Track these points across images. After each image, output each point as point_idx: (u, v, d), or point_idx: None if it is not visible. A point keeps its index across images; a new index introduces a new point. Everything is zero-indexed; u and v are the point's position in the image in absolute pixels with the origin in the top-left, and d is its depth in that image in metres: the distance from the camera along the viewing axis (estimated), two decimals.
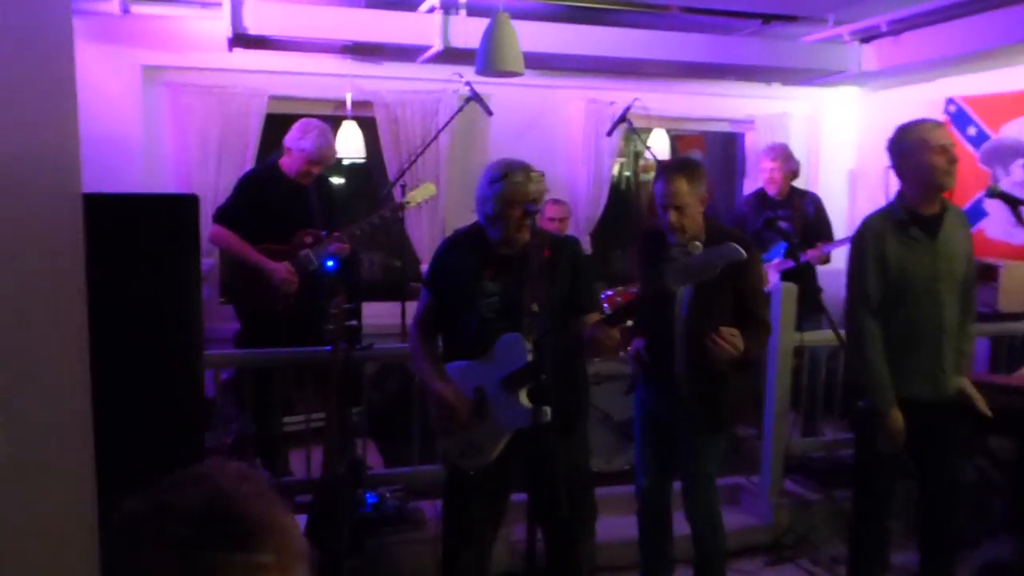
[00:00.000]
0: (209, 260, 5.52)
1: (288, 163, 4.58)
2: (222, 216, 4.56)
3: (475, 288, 3.06)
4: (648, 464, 3.63)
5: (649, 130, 6.49)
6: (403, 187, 5.00)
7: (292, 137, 4.58)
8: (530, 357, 2.87)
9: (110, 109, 5.32)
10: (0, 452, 1.37)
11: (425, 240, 5.94)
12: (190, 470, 1.06)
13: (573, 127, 6.27)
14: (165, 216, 2.44)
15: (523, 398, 2.92)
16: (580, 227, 6.22)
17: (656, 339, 3.41)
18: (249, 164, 5.48)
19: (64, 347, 1.81)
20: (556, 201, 5.64)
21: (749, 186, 6.99)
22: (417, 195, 4.80)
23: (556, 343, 2.75)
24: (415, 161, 5.60)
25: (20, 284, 1.48)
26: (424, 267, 5.53)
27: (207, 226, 4.55)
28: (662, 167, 3.36)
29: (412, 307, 3.49)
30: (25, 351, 1.53)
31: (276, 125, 5.17)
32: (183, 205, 2.48)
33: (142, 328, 2.35)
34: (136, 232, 2.37)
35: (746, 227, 5.54)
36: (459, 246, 3.14)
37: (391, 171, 5.78)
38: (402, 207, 4.78)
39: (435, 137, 5.63)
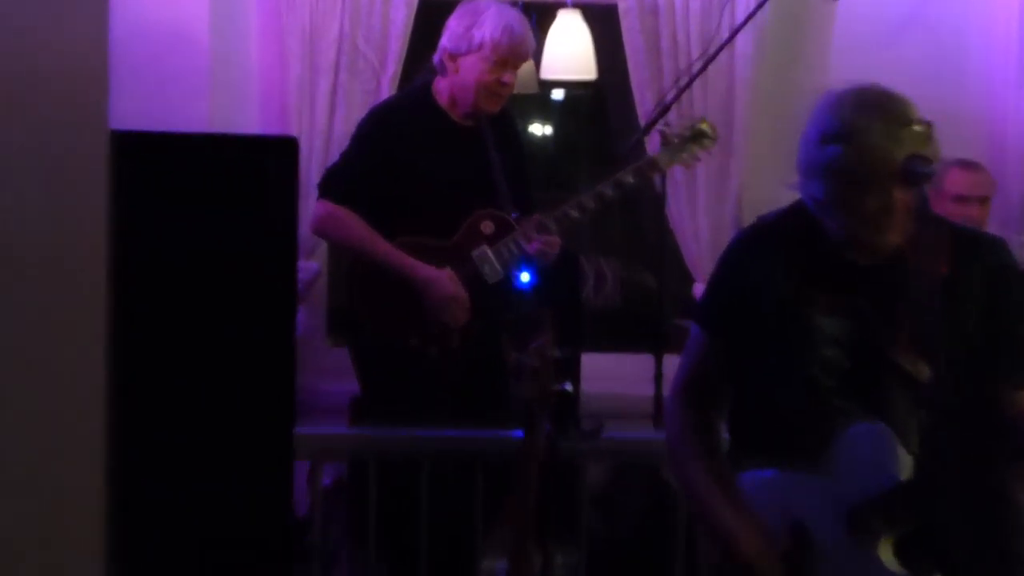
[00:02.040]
0: (311, 264, 3.94)
1: (446, 87, 3.34)
2: (336, 186, 3.33)
3: (801, 328, 2.07)
4: None
5: None
6: (663, 135, 3.48)
7: (452, 34, 3.27)
8: (908, 472, 1.96)
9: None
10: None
11: (702, 236, 4.09)
12: None
13: (1000, 30, 4.14)
14: (239, 172, 2.15)
15: (885, 553, 2.02)
16: (1014, 215, 4.12)
17: None
18: (385, 93, 3.94)
19: (79, 347, 1.40)
20: (965, 166, 3.68)
21: None
22: (683, 152, 3.40)
23: (965, 446, 1.95)
24: (687, 87, 3.77)
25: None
26: (698, 288, 4.01)
27: (308, 204, 3.38)
28: None
29: (673, 363, 2.65)
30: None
31: (431, 26, 3.71)
32: (272, 152, 2.25)
33: (187, 380, 2.05)
34: (193, 200, 2.07)
35: None
36: (767, 249, 2.19)
37: (642, 107, 4.05)
38: (655, 167, 3.42)
39: (726, 43, 3.80)
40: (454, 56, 3.20)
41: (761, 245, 2.32)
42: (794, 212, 2.24)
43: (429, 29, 3.72)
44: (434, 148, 3.28)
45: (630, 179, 3.33)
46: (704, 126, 3.41)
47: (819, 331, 2.16)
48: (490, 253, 3.30)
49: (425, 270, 3.22)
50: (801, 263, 2.22)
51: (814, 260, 2.21)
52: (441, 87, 3.28)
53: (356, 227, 3.26)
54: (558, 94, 5.28)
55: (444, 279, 3.21)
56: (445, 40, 3.26)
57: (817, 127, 2.11)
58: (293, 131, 3.83)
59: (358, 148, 3.33)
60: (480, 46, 3.19)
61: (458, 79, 3.23)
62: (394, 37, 3.94)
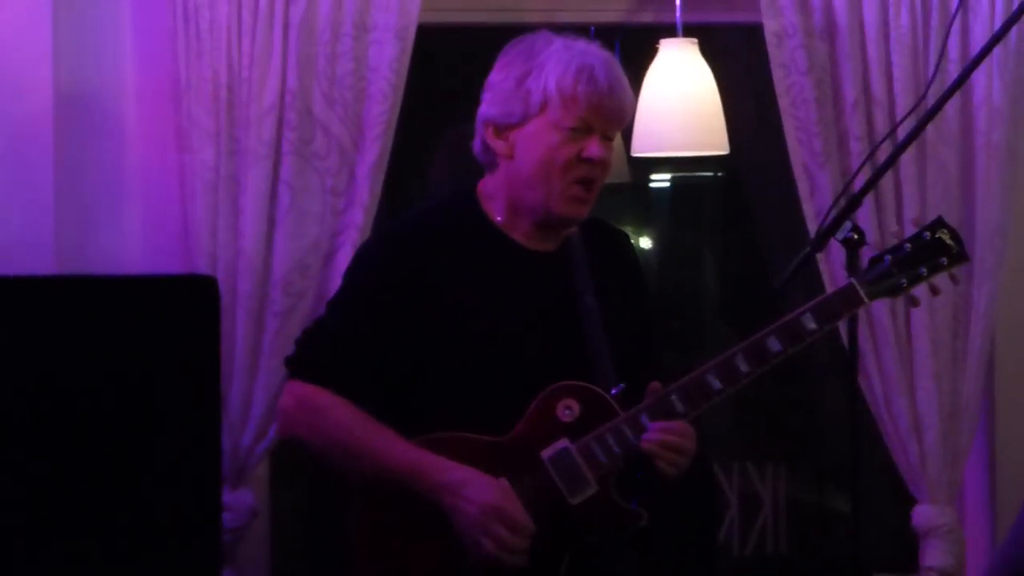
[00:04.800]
0: (242, 497, 3.07)
1: (500, 187, 2.58)
2: (320, 358, 2.54)
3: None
4: None
5: None
6: (851, 245, 2.48)
7: (497, 93, 2.53)
8: None
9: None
10: None
11: (927, 421, 3.06)
12: None
13: None
14: (116, 328, 2.39)
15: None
16: None
17: None
18: (363, 193, 3.14)
19: None
20: None
21: None
22: (902, 277, 2.50)
23: None
24: (891, 164, 2.67)
25: None
26: (920, 512, 3.13)
27: (262, 392, 3.01)
28: None
29: None
30: None
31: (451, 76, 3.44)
32: (178, 298, 2.48)
33: None
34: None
35: None
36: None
37: (812, 199, 3.11)
38: (853, 303, 2.51)
39: (955, 87, 2.69)
40: (503, 130, 2.50)
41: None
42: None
43: (447, 80, 3.25)
44: (488, 291, 2.57)
45: (812, 325, 2.45)
46: (944, 234, 2.41)
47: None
48: (574, 452, 2.51)
49: (457, 472, 2.48)
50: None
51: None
52: (491, 190, 2.59)
53: (346, 419, 2.51)
54: (660, 182, 4.17)
55: (484, 483, 2.48)
56: (487, 107, 2.53)
57: None
58: (201, 263, 2.97)
59: (358, 296, 2.62)
60: (544, 103, 2.47)
61: (515, 168, 2.52)
62: (377, 94, 3.00)
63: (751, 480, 3.70)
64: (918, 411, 2.80)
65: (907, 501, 2.84)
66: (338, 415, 2.51)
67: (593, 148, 2.47)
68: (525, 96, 2.47)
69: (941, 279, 2.34)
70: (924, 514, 2.77)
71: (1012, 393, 2.92)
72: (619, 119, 2.57)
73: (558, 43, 2.50)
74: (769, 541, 3.78)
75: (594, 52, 2.51)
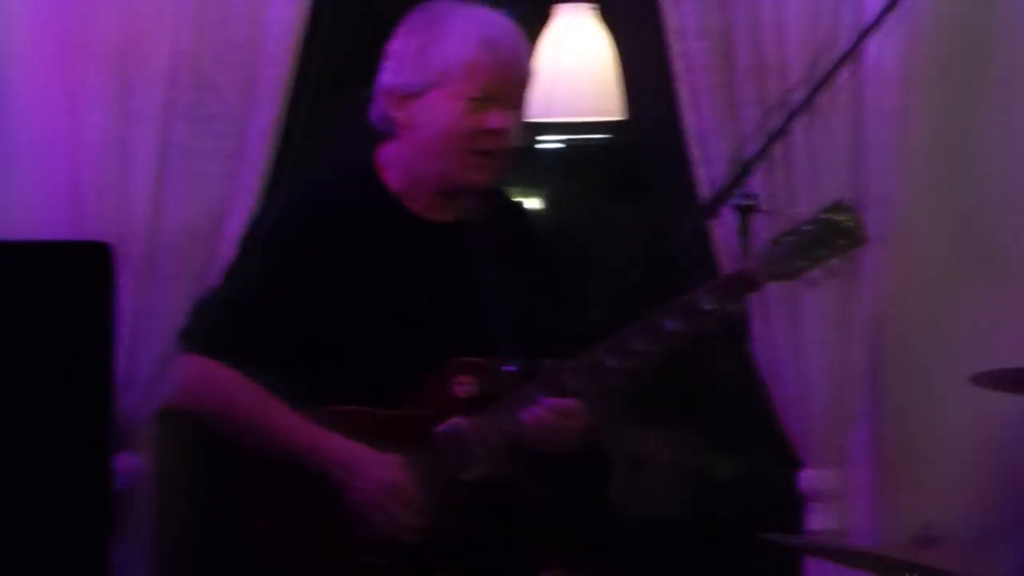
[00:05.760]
0: (129, 459, 3.07)
1: (399, 157, 2.61)
2: (214, 331, 2.59)
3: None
4: None
5: None
6: (744, 212, 2.54)
7: (398, 62, 2.55)
8: None
9: None
10: None
11: (813, 390, 3.15)
12: None
13: None
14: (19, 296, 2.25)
15: None
16: None
17: None
18: (256, 154, 3.09)
19: None
20: None
21: None
22: (799, 258, 2.50)
23: None
24: (782, 133, 2.76)
25: None
26: (806, 476, 3.26)
27: (149, 356, 3.08)
28: None
29: None
30: None
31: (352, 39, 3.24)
32: (69, 264, 2.32)
33: None
34: None
35: None
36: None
37: (705, 166, 3.09)
38: (750, 284, 2.56)
39: (847, 54, 2.85)
40: (404, 99, 2.52)
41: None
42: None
43: (348, 43, 3.13)
44: (385, 263, 2.61)
45: (708, 305, 2.45)
46: (845, 216, 2.44)
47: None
48: (467, 428, 2.55)
49: (351, 449, 2.51)
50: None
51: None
52: (389, 159, 2.59)
53: (242, 393, 2.55)
54: (554, 143, 4.18)
55: (377, 461, 2.51)
56: (387, 75, 2.55)
57: None
58: (90, 227, 2.93)
59: (253, 266, 2.63)
60: (445, 73, 2.49)
61: (416, 138, 2.54)
62: (271, 58, 2.95)
63: (639, 442, 3.76)
64: (806, 376, 2.87)
65: (794, 465, 2.91)
66: (233, 389, 2.51)
67: (495, 119, 2.46)
68: (426, 66, 2.46)
69: (838, 261, 2.36)
70: (810, 478, 2.84)
71: (899, 360, 3.03)
72: (522, 88, 2.55)
73: (460, 11, 2.49)
74: (656, 503, 3.84)
75: (496, 21, 2.50)
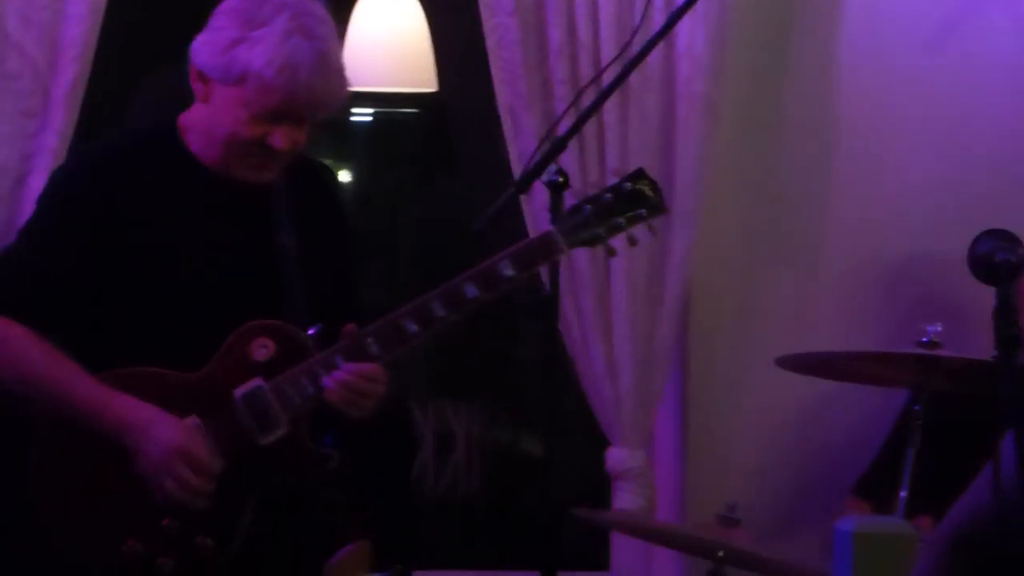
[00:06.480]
0: None
1: (200, 122, 2.57)
2: (8, 289, 2.57)
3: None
4: None
5: None
6: (554, 190, 2.49)
7: (213, 39, 2.48)
8: None
9: None
10: None
11: (622, 366, 3.12)
12: None
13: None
14: None
15: None
16: None
17: None
18: (58, 117, 3.08)
19: None
20: None
21: None
22: (600, 226, 2.55)
23: None
24: (594, 110, 2.73)
25: None
26: (613, 454, 3.28)
27: None
28: None
29: None
30: None
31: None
32: None
33: None
34: None
35: None
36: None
37: (516, 141, 3.11)
38: (553, 251, 2.54)
39: (659, 36, 2.76)
40: (206, 77, 2.50)
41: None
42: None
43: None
44: (181, 223, 2.57)
45: (509, 272, 2.47)
46: (644, 185, 2.44)
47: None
48: (266, 391, 2.51)
49: (142, 411, 2.48)
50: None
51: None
52: (190, 123, 2.57)
53: (33, 352, 2.50)
54: (364, 116, 4.15)
55: (169, 423, 2.48)
56: (198, 47, 2.49)
57: None
58: None
59: (47, 223, 2.59)
60: (242, 79, 2.45)
61: (210, 113, 2.53)
62: (75, 15, 2.93)
63: (446, 418, 3.77)
64: (614, 355, 2.88)
65: (601, 443, 2.93)
66: (23, 348, 2.45)
67: (277, 139, 2.46)
68: (230, 63, 2.43)
69: (639, 229, 2.35)
70: (617, 456, 2.86)
71: (705, 340, 3.08)
72: (315, 111, 2.55)
73: (281, 21, 2.43)
74: (463, 479, 3.85)
75: (306, 47, 2.44)
